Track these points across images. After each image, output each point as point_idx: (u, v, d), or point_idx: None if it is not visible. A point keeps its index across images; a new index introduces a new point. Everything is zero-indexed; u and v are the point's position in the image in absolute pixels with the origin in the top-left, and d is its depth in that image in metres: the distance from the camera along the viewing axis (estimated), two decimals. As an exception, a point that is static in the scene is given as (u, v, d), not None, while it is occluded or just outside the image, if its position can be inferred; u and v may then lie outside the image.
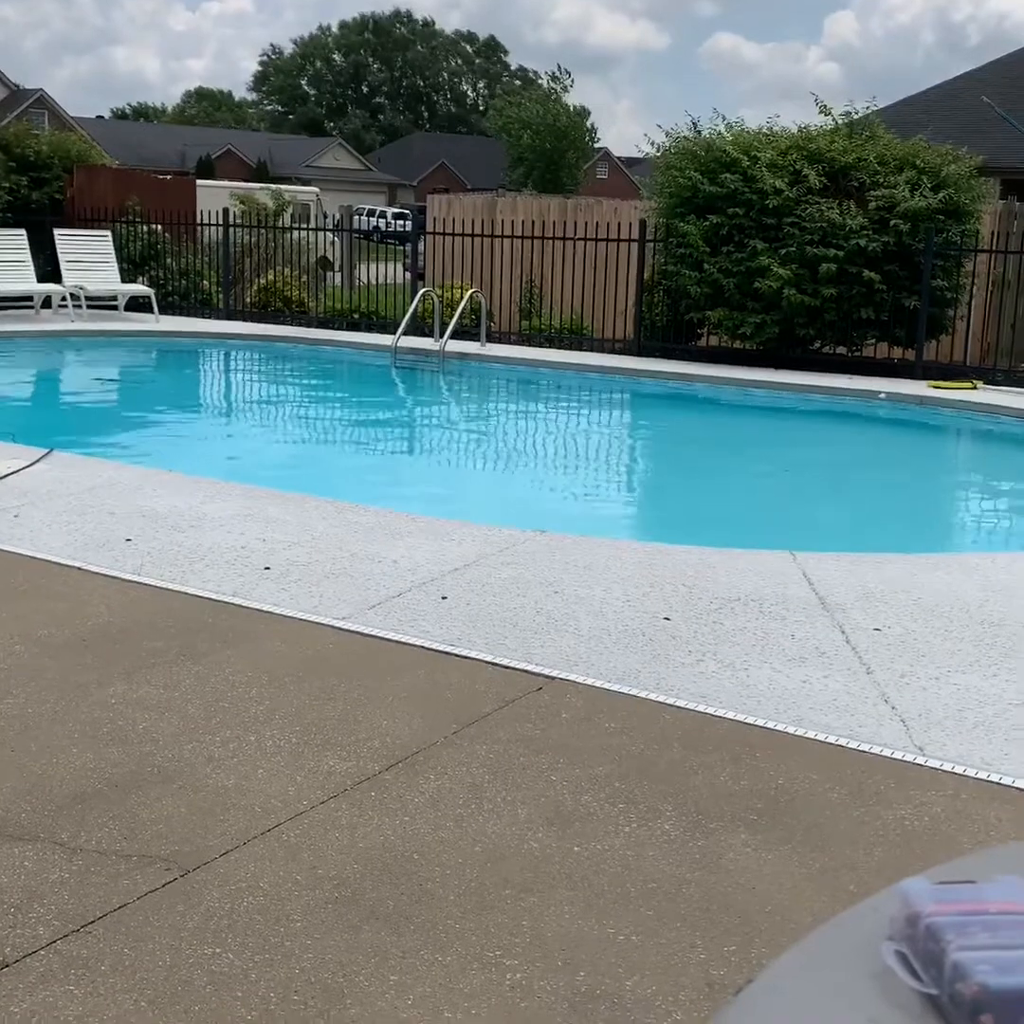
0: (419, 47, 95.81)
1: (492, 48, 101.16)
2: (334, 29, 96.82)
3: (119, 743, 3.38)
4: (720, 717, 3.67)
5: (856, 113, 13.34)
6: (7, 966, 2.37)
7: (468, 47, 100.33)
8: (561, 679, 3.93)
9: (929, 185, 11.99)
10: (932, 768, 3.37)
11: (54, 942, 2.45)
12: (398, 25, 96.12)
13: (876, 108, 14.22)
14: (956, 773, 3.34)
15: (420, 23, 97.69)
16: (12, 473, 6.66)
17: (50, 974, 2.35)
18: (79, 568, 4.98)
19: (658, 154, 13.44)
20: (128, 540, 5.41)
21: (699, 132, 13.19)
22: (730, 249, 12.41)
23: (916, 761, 3.41)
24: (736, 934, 2.57)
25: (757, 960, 2.49)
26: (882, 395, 11.50)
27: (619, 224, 14.03)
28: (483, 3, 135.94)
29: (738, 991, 0.91)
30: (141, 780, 3.17)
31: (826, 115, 13.18)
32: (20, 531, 5.51)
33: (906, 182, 12.02)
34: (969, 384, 11.82)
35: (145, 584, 4.81)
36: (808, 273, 12.03)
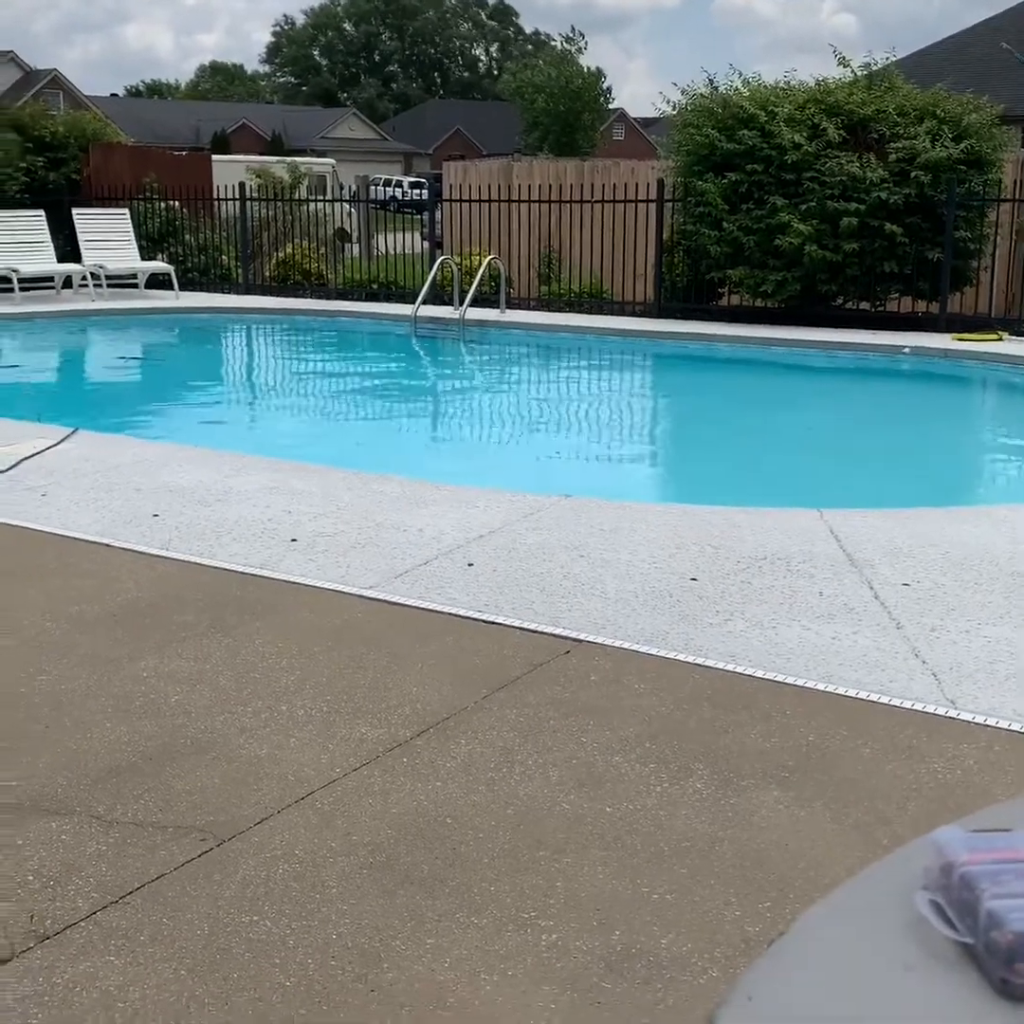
0: (429, 14, 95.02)
1: (504, 12, 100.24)
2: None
3: (152, 716, 3.41)
4: (749, 676, 3.66)
5: (875, 64, 13.15)
6: (48, 938, 2.40)
7: (480, 12, 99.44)
8: (589, 642, 3.93)
9: (950, 135, 11.82)
10: (964, 721, 3.36)
11: (94, 914, 2.48)
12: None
13: (895, 59, 14.00)
14: (988, 725, 3.32)
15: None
16: (38, 452, 6.69)
17: (91, 945, 2.38)
18: (107, 545, 5.01)
19: (675, 112, 13.30)
20: (155, 516, 5.43)
21: (716, 89, 13.03)
22: (749, 206, 12.29)
23: (948, 714, 3.40)
24: (770, 890, 2.57)
25: (792, 916, 2.48)
26: (906, 349, 11.39)
27: (637, 185, 13.91)
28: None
29: (771, 942, 0.91)
30: (175, 752, 3.19)
31: (845, 67, 13.00)
32: (48, 510, 5.54)
33: (926, 133, 11.85)
34: (994, 335, 11.70)
35: (173, 558, 4.83)
36: (829, 228, 11.90)
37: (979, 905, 0.83)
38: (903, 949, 0.85)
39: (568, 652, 3.86)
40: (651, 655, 3.82)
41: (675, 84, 13.36)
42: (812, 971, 0.83)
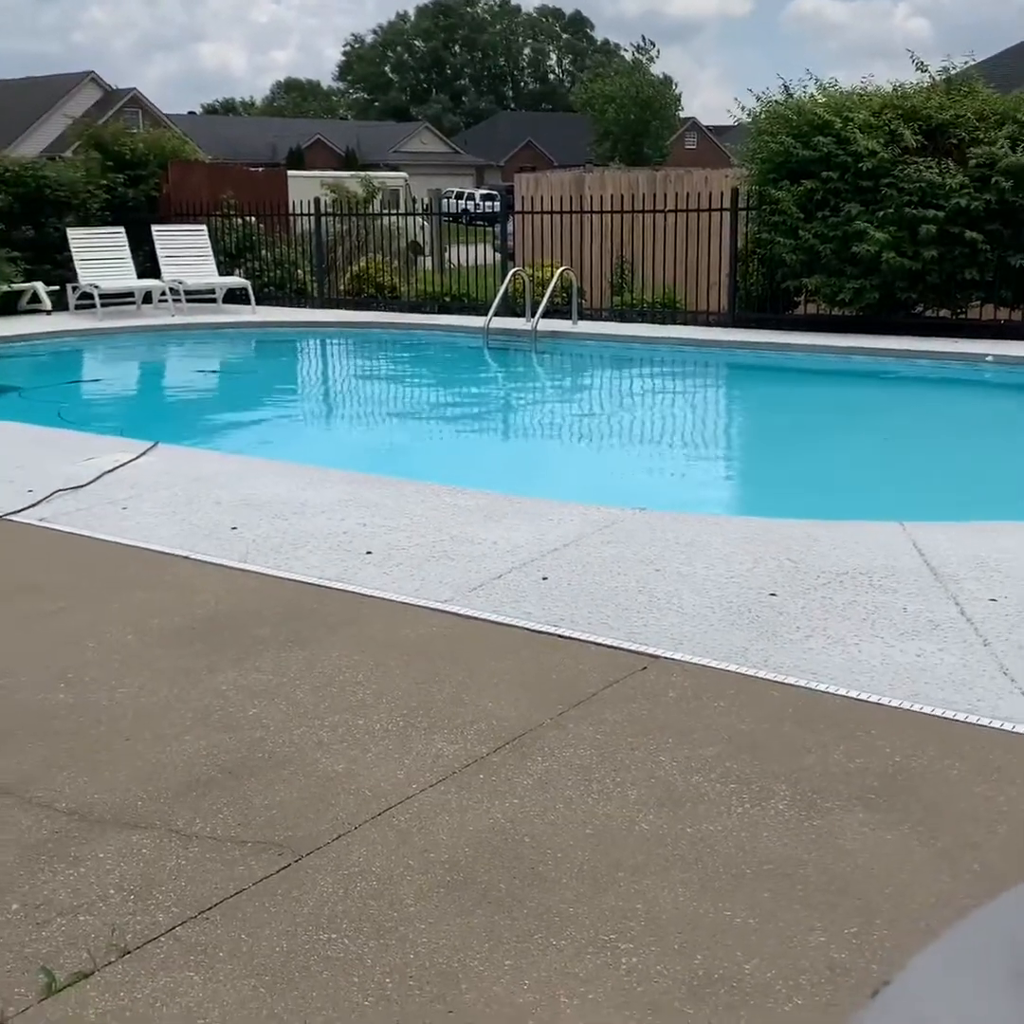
0: (498, 27, 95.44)
1: (577, 23, 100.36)
2: (412, 16, 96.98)
3: (230, 729, 3.42)
4: (831, 694, 3.59)
5: (953, 68, 12.92)
6: (128, 953, 2.41)
7: (555, 24, 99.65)
8: (666, 658, 3.88)
9: (1032, 139, 11.57)
10: (1056, 742, 3.26)
11: (173, 928, 2.49)
12: (469, 7, 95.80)
13: (973, 62, 13.76)
14: (1082, 747, 3.22)
15: (497, 4, 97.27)
16: (119, 466, 6.79)
17: (170, 960, 2.38)
18: (186, 557, 5.06)
19: (749, 120, 13.18)
20: (233, 528, 5.48)
21: (790, 95, 12.90)
22: (825, 214, 12.14)
23: (1039, 735, 3.30)
24: (856, 916, 2.51)
25: (878, 943, 2.42)
26: (989, 357, 11.16)
27: (710, 193, 13.81)
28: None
29: (874, 993, 0.86)
30: (253, 766, 3.20)
31: (922, 72, 12.80)
32: (128, 523, 5.61)
33: (1006, 137, 11.62)
34: (1080, 343, 11.41)
35: (251, 571, 4.87)
36: (907, 235, 11.71)
37: (1101, 955, 0.78)
38: (1018, 1003, 0.80)
39: (645, 668, 3.81)
40: (730, 672, 3.76)
41: (750, 90, 13.24)
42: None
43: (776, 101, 12.86)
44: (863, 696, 3.57)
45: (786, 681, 3.68)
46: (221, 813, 2.96)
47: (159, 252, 14.99)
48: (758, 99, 13.06)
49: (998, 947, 0.85)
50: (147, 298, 15.03)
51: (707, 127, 69.50)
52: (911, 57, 12.84)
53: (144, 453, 7.16)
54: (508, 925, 2.49)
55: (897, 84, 12.70)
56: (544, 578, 4.69)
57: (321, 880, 2.66)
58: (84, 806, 3.00)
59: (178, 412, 11.25)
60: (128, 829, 2.89)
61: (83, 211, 15.47)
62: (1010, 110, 11.92)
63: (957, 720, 3.40)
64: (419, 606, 4.42)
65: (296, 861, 2.74)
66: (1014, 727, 3.34)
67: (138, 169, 16.36)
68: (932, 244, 11.64)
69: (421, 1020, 2.21)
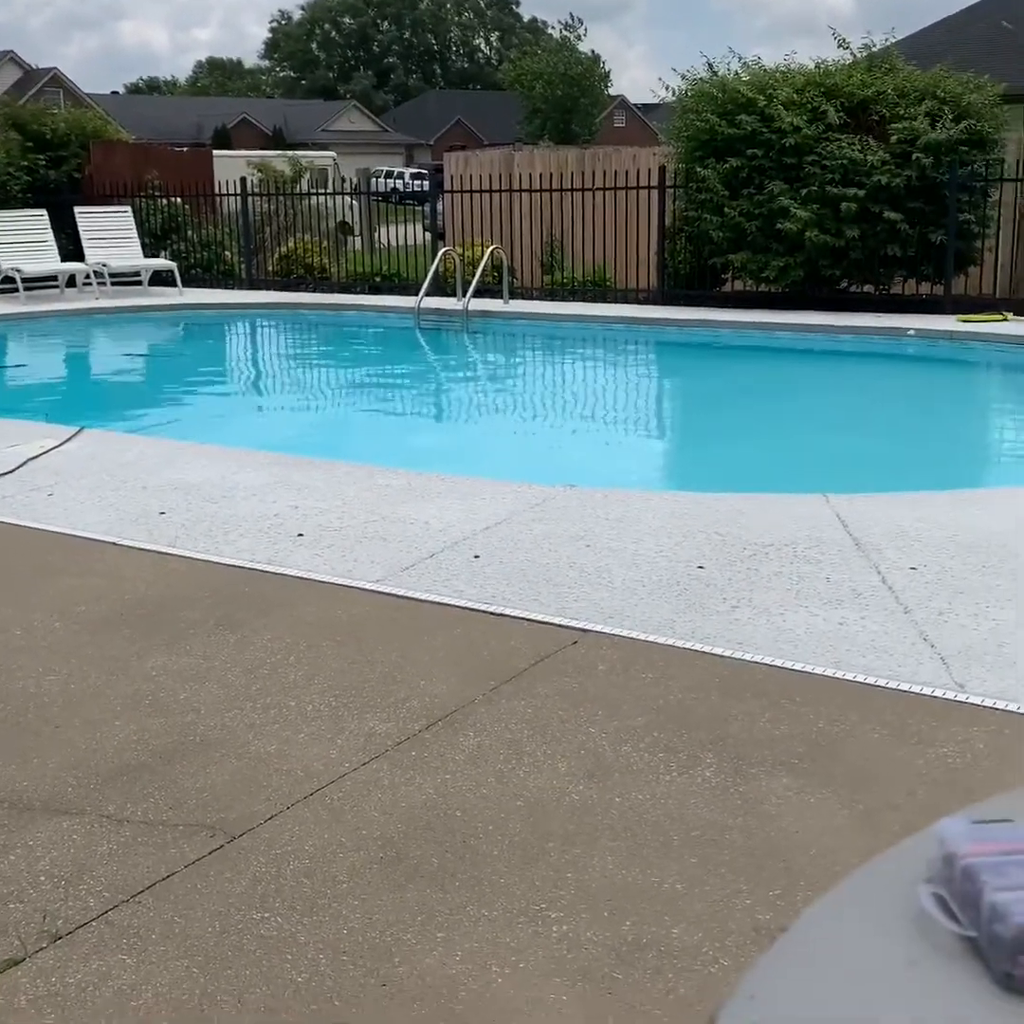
0: (427, 4, 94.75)
1: (503, 1, 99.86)
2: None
3: (161, 714, 3.41)
4: (757, 663, 3.66)
5: (874, 45, 13.09)
6: (60, 938, 2.40)
7: (480, 1, 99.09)
8: (596, 632, 3.93)
9: (951, 116, 11.76)
10: (973, 705, 3.35)
11: (105, 913, 2.49)
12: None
13: (894, 40, 13.94)
14: (998, 709, 3.32)
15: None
16: (45, 452, 6.70)
17: (102, 944, 2.39)
18: (114, 543, 5.02)
19: (675, 98, 13.25)
20: (162, 513, 5.44)
21: (715, 73, 12.98)
22: (751, 191, 12.24)
23: (957, 698, 3.39)
24: (781, 878, 2.57)
25: (803, 904, 2.49)
26: (911, 332, 11.36)
27: (638, 172, 13.87)
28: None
29: (774, 940, 0.90)
30: (184, 750, 3.20)
31: (844, 49, 12.94)
32: (54, 510, 5.55)
33: (927, 114, 11.79)
34: (1000, 316, 11.65)
35: (180, 556, 4.84)
36: (830, 212, 11.85)
37: (982, 898, 0.83)
38: (907, 943, 0.85)
39: (575, 642, 3.86)
40: (658, 644, 3.82)
41: (675, 69, 13.30)
42: (815, 968, 0.83)
43: (701, 79, 12.94)
44: (788, 664, 3.64)
45: (713, 651, 3.75)
46: (152, 797, 2.95)
47: (82, 234, 14.75)
48: (683, 78, 13.13)
49: (890, 893, 0.90)
50: (71, 281, 14.79)
51: (635, 105, 69.68)
52: (833, 34, 13.00)
53: (69, 439, 7.07)
54: (440, 899, 2.52)
55: (820, 61, 12.84)
56: (476, 556, 4.71)
57: (254, 860, 2.67)
58: (13, 794, 2.98)
59: (104, 397, 11.10)
60: (58, 816, 2.87)
61: (3, 193, 15.18)
62: (930, 86, 12.10)
63: (878, 686, 3.49)
64: (351, 587, 4.43)
65: (228, 842, 2.75)
66: (933, 692, 3.43)
67: (60, 150, 16.07)
68: (854, 222, 11.79)
69: (355, 995, 2.24)
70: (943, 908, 0.86)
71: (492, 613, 4.11)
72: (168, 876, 2.61)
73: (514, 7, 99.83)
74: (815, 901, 0.92)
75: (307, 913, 2.48)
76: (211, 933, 2.42)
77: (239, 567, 4.69)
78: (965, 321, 11.52)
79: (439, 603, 4.23)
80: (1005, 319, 11.58)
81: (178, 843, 2.75)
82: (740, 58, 13.02)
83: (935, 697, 3.41)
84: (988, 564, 4.48)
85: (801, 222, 11.78)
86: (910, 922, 0.87)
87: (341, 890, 2.56)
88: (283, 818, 2.85)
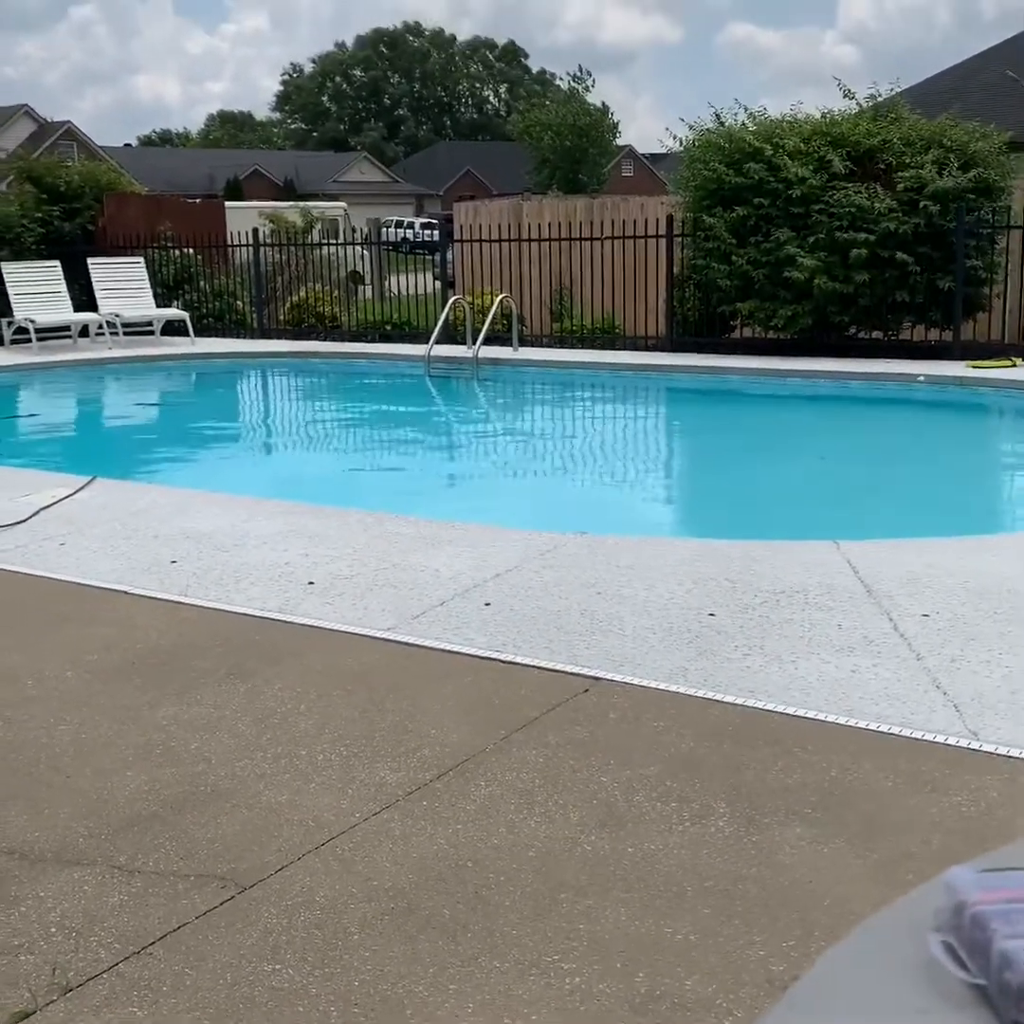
0: (437, 56, 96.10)
1: (512, 53, 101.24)
2: (350, 46, 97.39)
3: (172, 764, 3.41)
4: (770, 711, 3.65)
5: (880, 95, 13.23)
6: (71, 990, 2.39)
7: (489, 54, 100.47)
8: (607, 680, 3.92)
9: (957, 164, 11.86)
10: (987, 752, 3.33)
11: (116, 965, 2.48)
12: (411, 36, 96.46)
13: (899, 89, 14.08)
14: (1012, 757, 3.30)
15: (433, 33, 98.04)
16: (57, 501, 6.74)
17: (113, 997, 2.38)
18: (126, 592, 5.04)
19: (682, 148, 13.39)
20: (173, 562, 5.46)
21: (722, 123, 13.12)
22: (758, 239, 12.34)
23: (970, 746, 3.37)
24: (795, 929, 2.56)
25: (817, 954, 2.46)
26: (921, 378, 11.39)
27: (646, 220, 13.99)
28: (493, 11, 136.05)
29: (786, 990, 0.90)
30: (195, 800, 3.19)
31: (850, 99, 13.08)
32: (66, 559, 5.57)
33: (933, 162, 11.89)
34: (1009, 362, 11.68)
35: (191, 604, 4.85)
36: (838, 259, 11.93)
37: (991, 946, 0.83)
38: (916, 992, 0.85)
39: (587, 690, 3.85)
40: (670, 692, 3.81)
41: (682, 119, 13.46)
42: (826, 1017, 0.83)
43: (708, 129, 13.08)
44: (800, 712, 3.63)
45: (725, 699, 3.74)
46: (164, 848, 2.95)
47: (95, 285, 14.90)
48: (690, 128, 13.28)
49: (899, 941, 0.90)
50: (84, 332, 14.92)
51: (643, 155, 70.30)
52: (839, 84, 13.15)
53: (82, 488, 7.11)
54: (452, 950, 2.51)
55: (826, 111, 12.98)
56: (487, 604, 4.72)
57: (265, 911, 2.66)
58: (24, 845, 2.97)
59: (116, 446, 11.17)
60: (69, 866, 2.87)
61: (18, 245, 15.35)
62: (936, 135, 12.21)
63: (891, 734, 3.47)
64: (362, 635, 4.43)
65: (239, 893, 2.74)
66: (946, 740, 3.42)
67: (73, 202, 16.26)
68: (863, 268, 11.86)
69: (366, 1047, 2.22)
70: (952, 956, 0.86)
71: (503, 661, 4.11)
72: (179, 927, 2.60)
73: (523, 60, 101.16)
74: (825, 951, 0.92)
75: (319, 965, 2.47)
76: (223, 985, 2.41)
77: (250, 616, 4.70)
78: (975, 367, 11.55)
79: (450, 651, 4.23)
80: (1014, 365, 11.60)
81: (189, 894, 2.74)
82: (746, 109, 13.19)
83: (948, 745, 3.39)
84: (1000, 611, 4.47)
85: (808, 270, 11.86)
86: (920, 970, 0.87)
87: (352, 942, 2.55)
88: (294, 869, 2.84)
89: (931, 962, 0.86)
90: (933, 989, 0.84)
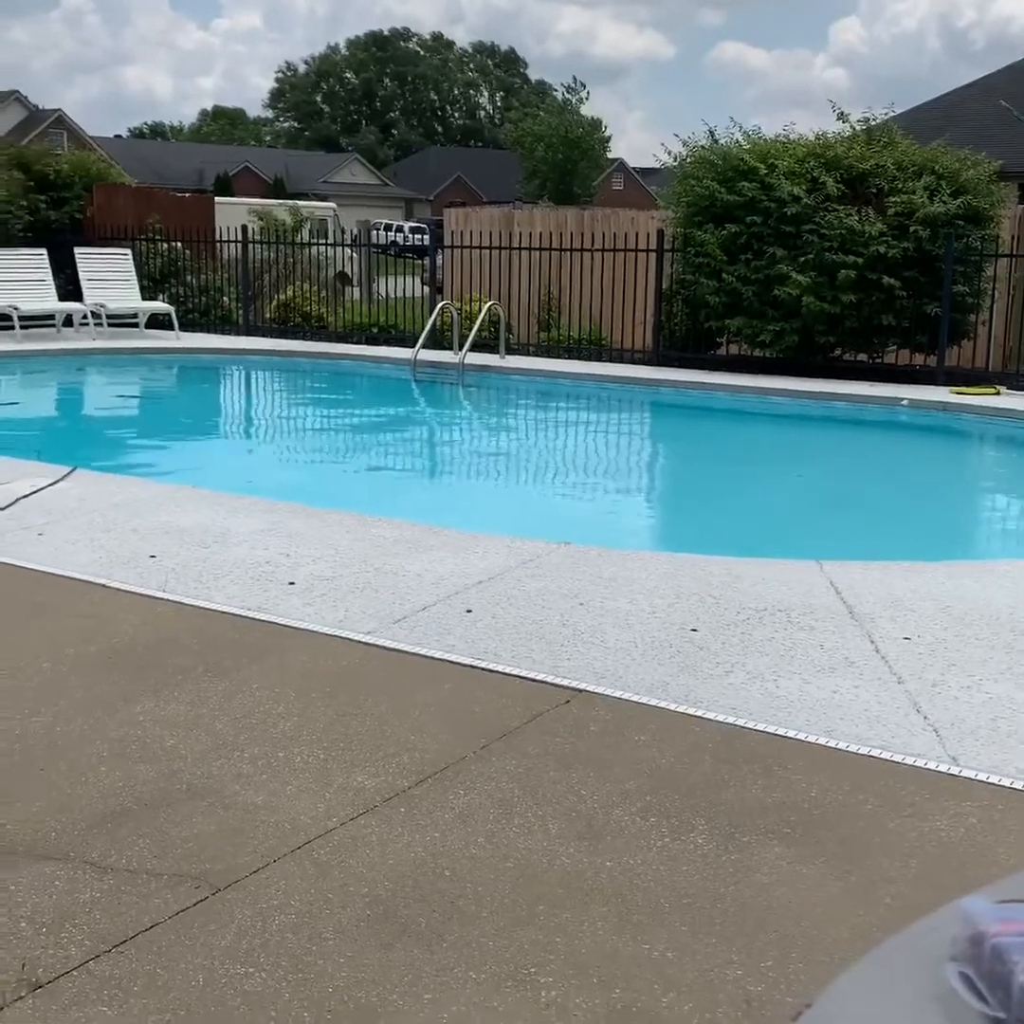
0: (431, 61, 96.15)
1: (511, 60, 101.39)
2: (343, 49, 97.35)
3: (148, 761, 3.37)
4: (750, 729, 3.64)
5: (874, 119, 13.30)
6: (40, 987, 2.36)
7: (489, 61, 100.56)
8: (589, 692, 3.90)
9: (948, 191, 11.93)
10: (967, 778, 3.33)
11: (86, 962, 2.44)
12: (403, 41, 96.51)
13: (893, 114, 14.17)
14: (991, 783, 3.30)
15: (430, 39, 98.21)
16: (36, 491, 6.68)
17: (83, 995, 2.34)
18: (104, 585, 4.99)
19: (675, 164, 13.43)
20: (152, 557, 5.41)
21: (716, 141, 13.17)
22: (748, 257, 12.39)
23: (950, 771, 3.37)
24: (773, 949, 2.54)
25: (794, 975, 2.45)
26: (905, 401, 11.44)
27: (637, 234, 14.02)
28: (487, 17, 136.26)
29: (796, 1015, 0.89)
30: (170, 798, 3.16)
31: (843, 122, 13.15)
32: (44, 549, 5.52)
33: (924, 188, 11.97)
34: (992, 389, 11.75)
35: (170, 600, 4.81)
36: (827, 280, 11.98)
37: (1013, 978, 0.81)
38: (932, 1023, 0.83)
39: (568, 702, 3.83)
40: (651, 706, 3.80)
41: (676, 135, 13.52)
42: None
43: (702, 146, 13.13)
44: (781, 731, 3.62)
45: (706, 716, 3.73)
46: (137, 845, 2.91)
47: (82, 275, 14.81)
48: (684, 144, 13.32)
49: (913, 971, 0.88)
50: (68, 321, 14.82)
51: (634, 169, 70.53)
52: (832, 107, 13.22)
53: (62, 478, 7.05)
54: (428, 959, 2.48)
55: (819, 133, 13.04)
56: (468, 611, 4.70)
57: (239, 914, 2.63)
58: (-5, 837, 2.93)
59: (97, 438, 11.09)
60: (41, 861, 2.83)
61: (4, 231, 15.24)
62: (928, 162, 12.29)
63: (872, 756, 3.47)
64: (342, 637, 4.40)
65: (214, 894, 2.70)
66: (926, 763, 3.41)
67: (62, 191, 16.18)
68: (851, 290, 11.92)
69: (339, 1055, 2.19)
70: (970, 987, 0.84)
71: (484, 669, 4.09)
72: (151, 926, 2.57)
73: (522, 69, 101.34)
74: (838, 977, 0.91)
75: (292, 969, 2.44)
76: (194, 987, 2.37)
77: (229, 614, 4.66)
78: (958, 393, 11.61)
79: (431, 657, 4.20)
80: (998, 393, 11.68)
81: (162, 893, 2.70)
82: (740, 127, 13.24)
83: (928, 769, 3.39)
84: (981, 636, 4.48)
85: (799, 288, 11.90)
86: (935, 1001, 0.85)
87: (327, 947, 2.52)
88: (269, 871, 2.80)
89: (948, 993, 0.84)
90: (949, 1020, 0.82)
